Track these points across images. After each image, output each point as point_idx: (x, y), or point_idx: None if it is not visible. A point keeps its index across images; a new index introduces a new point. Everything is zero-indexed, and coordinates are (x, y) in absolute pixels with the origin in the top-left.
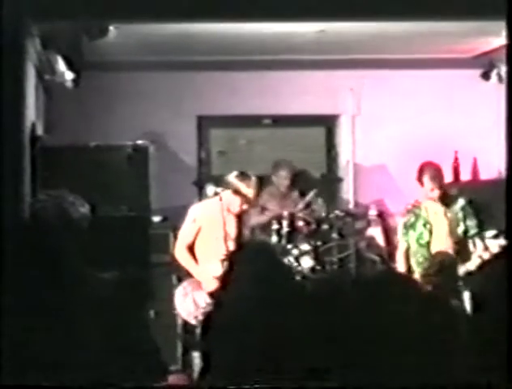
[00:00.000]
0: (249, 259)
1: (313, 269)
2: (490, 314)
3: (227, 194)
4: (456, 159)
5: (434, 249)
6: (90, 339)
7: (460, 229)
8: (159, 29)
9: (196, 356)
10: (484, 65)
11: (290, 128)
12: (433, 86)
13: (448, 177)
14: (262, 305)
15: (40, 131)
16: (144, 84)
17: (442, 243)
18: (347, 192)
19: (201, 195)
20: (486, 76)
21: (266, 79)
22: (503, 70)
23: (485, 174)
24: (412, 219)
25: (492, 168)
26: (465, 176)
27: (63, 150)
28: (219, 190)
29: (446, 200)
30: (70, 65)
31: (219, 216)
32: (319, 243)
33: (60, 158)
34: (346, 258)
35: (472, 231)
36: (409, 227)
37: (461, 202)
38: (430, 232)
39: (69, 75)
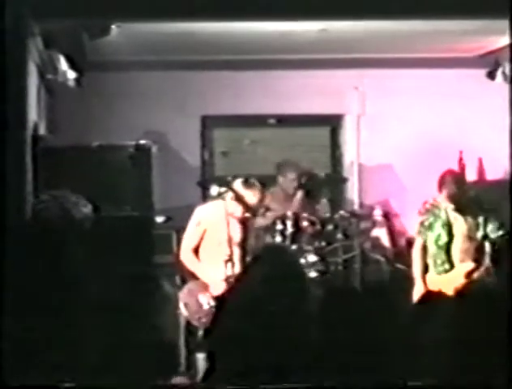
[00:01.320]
0: (264, 263)
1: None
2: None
3: (230, 199)
4: (461, 159)
5: (453, 251)
6: (91, 340)
7: (479, 234)
8: (162, 28)
9: (200, 357)
10: (490, 64)
11: (294, 128)
12: (438, 85)
13: None
14: (267, 306)
15: (42, 131)
16: (147, 84)
17: (461, 246)
18: (351, 192)
19: (204, 196)
20: (491, 75)
21: (269, 79)
22: (508, 69)
23: (491, 174)
24: (431, 219)
25: (498, 168)
26: (471, 176)
27: (66, 150)
28: (222, 190)
29: (466, 205)
30: (73, 64)
31: (223, 219)
32: (324, 244)
33: (62, 158)
34: (351, 258)
35: (492, 236)
36: (427, 227)
37: (481, 210)
38: (449, 234)
39: (71, 75)
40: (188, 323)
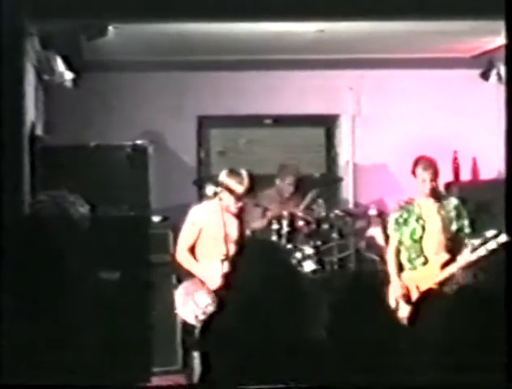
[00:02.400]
0: (252, 259)
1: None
2: (490, 314)
3: (224, 195)
4: (455, 159)
5: (427, 245)
6: (90, 339)
7: (453, 227)
8: (158, 29)
9: (196, 356)
10: (484, 64)
11: (290, 128)
12: (433, 86)
13: (448, 177)
14: (263, 305)
15: (39, 131)
16: (144, 84)
17: (435, 239)
18: (346, 192)
19: (201, 195)
20: (485, 76)
21: (266, 79)
22: (502, 69)
23: (485, 174)
24: (405, 215)
25: (491, 168)
26: (465, 176)
27: (63, 150)
28: (218, 189)
29: (439, 197)
30: (70, 65)
31: (218, 217)
32: (319, 243)
33: (60, 158)
34: (346, 257)
35: (466, 230)
36: (402, 223)
37: (454, 201)
38: (423, 228)
39: (68, 75)
40: (184, 322)
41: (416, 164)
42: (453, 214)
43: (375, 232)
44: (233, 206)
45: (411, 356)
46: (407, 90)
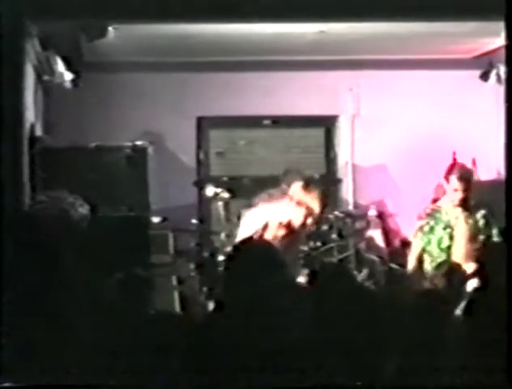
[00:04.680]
0: (249, 260)
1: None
2: (490, 314)
3: (291, 204)
4: (455, 159)
5: (455, 254)
6: (89, 339)
7: (482, 237)
8: (158, 30)
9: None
10: (483, 65)
11: (289, 129)
12: (432, 86)
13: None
14: (263, 305)
15: (39, 132)
16: (143, 85)
17: (463, 249)
18: (346, 193)
19: (200, 196)
20: (485, 77)
21: (265, 80)
22: (502, 70)
23: (484, 175)
24: (432, 222)
25: (491, 169)
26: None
27: (63, 151)
28: (218, 190)
29: (468, 207)
30: (70, 65)
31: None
32: (319, 244)
33: (59, 159)
34: (346, 258)
35: (495, 239)
36: (428, 231)
37: (482, 211)
38: (451, 237)
39: (68, 76)
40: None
41: (450, 170)
42: (481, 223)
43: (375, 233)
44: (300, 218)
45: (410, 356)
46: (407, 91)
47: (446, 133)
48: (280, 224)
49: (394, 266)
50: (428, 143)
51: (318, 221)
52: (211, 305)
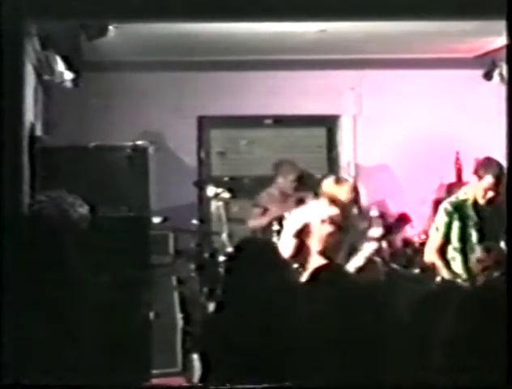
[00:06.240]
0: (251, 259)
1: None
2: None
3: (321, 205)
4: (458, 159)
5: (483, 247)
6: (89, 339)
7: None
8: (158, 29)
9: (196, 358)
10: (486, 65)
11: (291, 128)
12: (435, 86)
13: (450, 178)
14: (263, 305)
15: (39, 132)
16: (144, 84)
17: (491, 242)
18: None
19: (201, 196)
20: (488, 76)
21: (266, 80)
22: (505, 69)
23: None
24: (456, 216)
25: None
26: (467, 177)
27: (62, 150)
28: (219, 190)
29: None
30: (70, 65)
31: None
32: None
33: (59, 159)
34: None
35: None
36: (451, 225)
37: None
38: (478, 231)
39: (68, 75)
40: (184, 323)
41: (484, 166)
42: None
43: (376, 233)
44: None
45: (410, 356)
46: (409, 90)
47: (449, 132)
48: (323, 221)
49: (395, 266)
50: (430, 143)
51: (360, 210)
52: (211, 306)
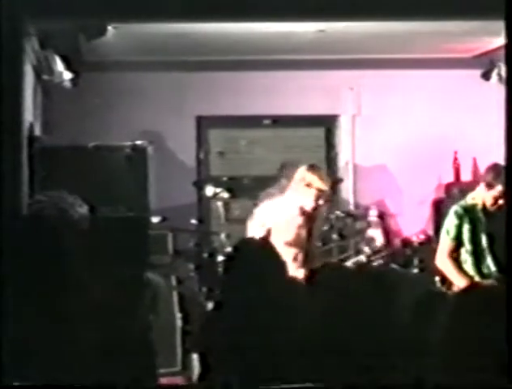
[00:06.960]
0: (249, 259)
1: None
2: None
3: (298, 191)
4: (456, 159)
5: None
6: (89, 340)
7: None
8: (158, 29)
9: (195, 358)
10: (485, 65)
11: (290, 128)
12: (434, 86)
13: (448, 178)
14: (262, 306)
15: (38, 132)
16: (143, 84)
17: (501, 246)
18: (347, 193)
19: (200, 196)
20: (487, 76)
21: (265, 79)
22: (503, 69)
23: None
24: (466, 219)
25: None
26: (466, 176)
27: (61, 150)
28: (218, 190)
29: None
30: (69, 65)
31: (290, 218)
32: (319, 244)
33: (58, 158)
34: (346, 259)
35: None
36: (462, 228)
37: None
38: (488, 235)
39: (67, 75)
40: (183, 323)
41: (493, 172)
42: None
43: (375, 233)
44: (311, 202)
45: (410, 356)
46: (408, 90)
47: (448, 132)
48: (301, 209)
49: (394, 266)
50: (429, 143)
51: (329, 200)
52: (210, 306)
